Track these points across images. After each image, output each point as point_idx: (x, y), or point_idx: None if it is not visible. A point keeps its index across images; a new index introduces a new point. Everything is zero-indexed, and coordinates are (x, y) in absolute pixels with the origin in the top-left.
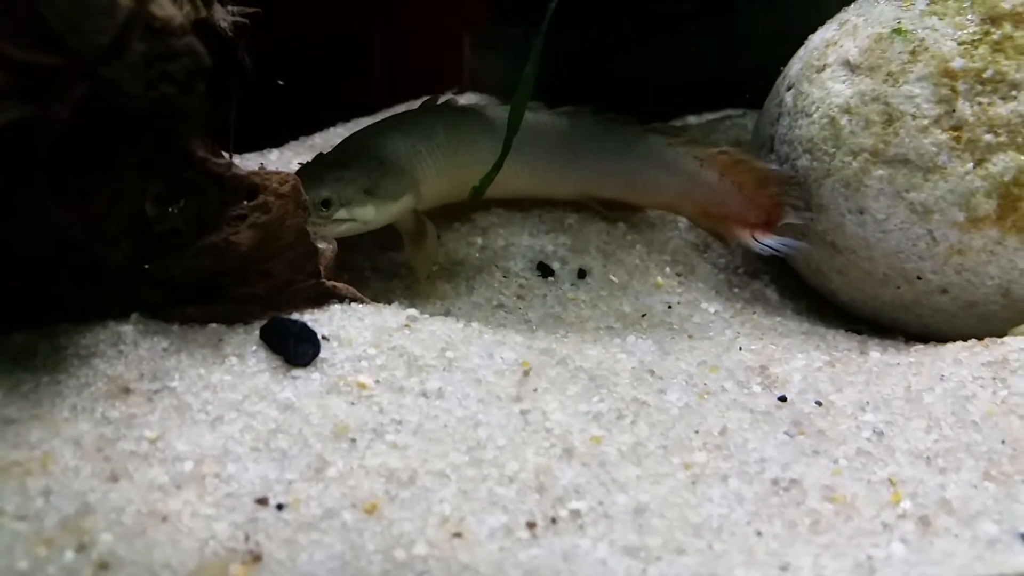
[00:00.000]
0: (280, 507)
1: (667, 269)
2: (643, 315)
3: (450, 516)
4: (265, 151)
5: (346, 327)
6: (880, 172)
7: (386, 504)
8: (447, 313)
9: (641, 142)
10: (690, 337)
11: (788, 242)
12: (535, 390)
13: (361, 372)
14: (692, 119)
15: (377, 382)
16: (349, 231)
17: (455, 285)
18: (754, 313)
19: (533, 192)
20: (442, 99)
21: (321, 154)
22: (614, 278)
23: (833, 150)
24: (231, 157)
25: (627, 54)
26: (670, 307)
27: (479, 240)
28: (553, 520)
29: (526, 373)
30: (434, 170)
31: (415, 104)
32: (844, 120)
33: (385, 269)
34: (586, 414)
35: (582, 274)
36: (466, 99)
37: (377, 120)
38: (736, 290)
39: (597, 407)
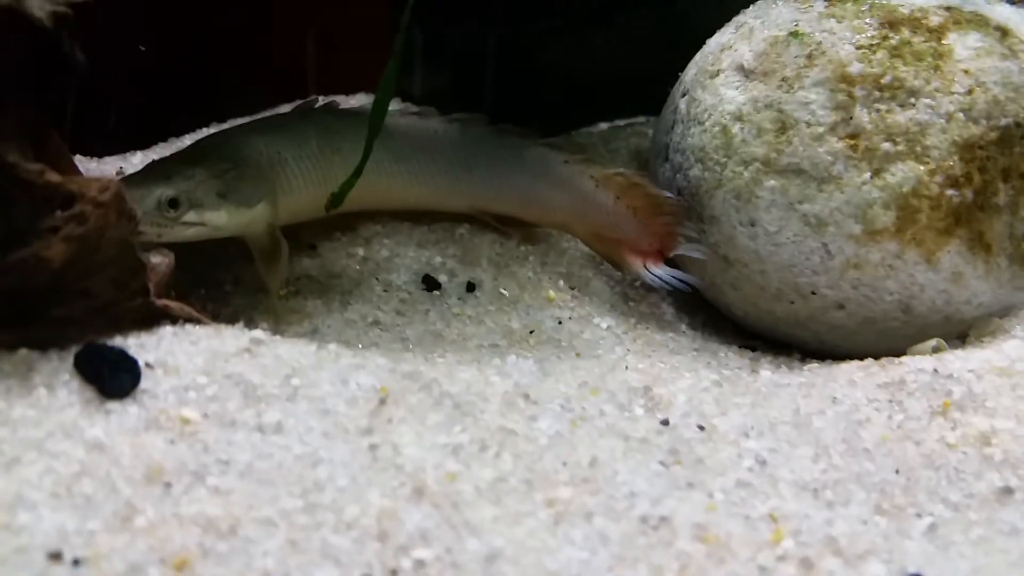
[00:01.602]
0: (76, 562)
1: (561, 283)
2: (531, 331)
3: (273, 572)
4: (129, 154)
5: (175, 352)
6: (772, 183)
7: (199, 559)
8: (314, 332)
9: (537, 157)
10: (577, 355)
11: (678, 275)
12: (390, 420)
13: (186, 404)
14: (604, 125)
15: (205, 416)
16: (196, 236)
17: (327, 300)
18: (647, 328)
19: (422, 204)
20: (323, 101)
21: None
22: (504, 292)
23: (725, 159)
24: (54, 160)
25: (537, 54)
26: (560, 323)
27: (360, 251)
28: (393, 572)
29: (382, 401)
30: (301, 180)
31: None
32: (736, 128)
33: (249, 283)
34: (444, 447)
35: (471, 288)
36: (359, 100)
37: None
38: (631, 304)
39: (458, 438)
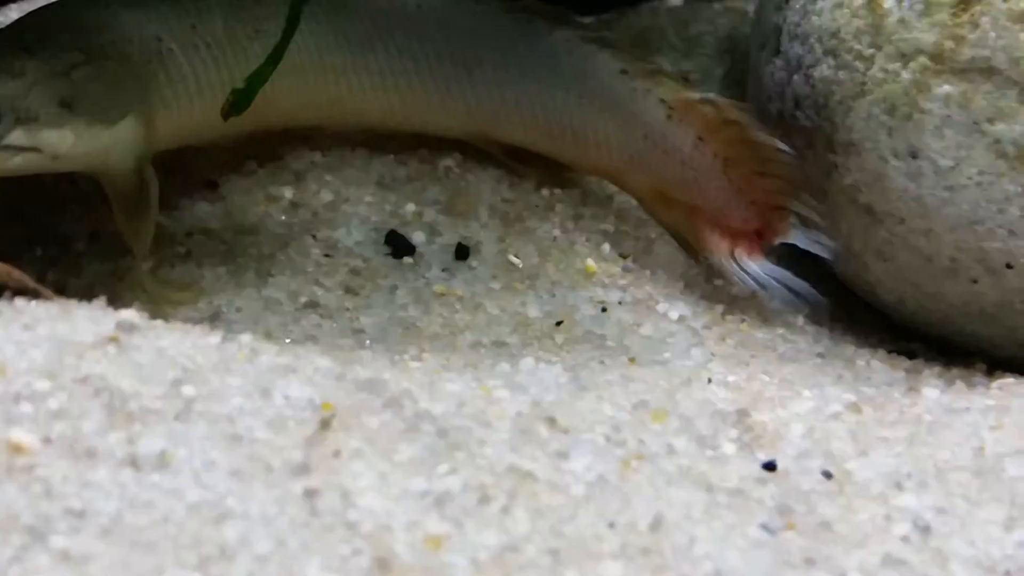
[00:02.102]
0: None
1: (605, 247)
2: (559, 323)
3: None
4: None
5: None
6: (947, 89)
7: None
8: (216, 316)
9: (576, 59)
10: (631, 360)
11: (787, 278)
12: (336, 454)
13: (17, 423)
14: (677, 0)
15: (46, 441)
16: (25, 168)
17: (235, 269)
18: (743, 321)
19: (393, 122)
20: None
21: None
22: (516, 260)
23: (871, 52)
24: None
25: None
26: (605, 310)
27: (287, 192)
28: None
29: (325, 424)
30: (194, 82)
31: None
32: (890, 2)
33: (114, 238)
34: (422, 497)
35: (462, 253)
36: None
37: None
38: (718, 282)
39: (444, 483)
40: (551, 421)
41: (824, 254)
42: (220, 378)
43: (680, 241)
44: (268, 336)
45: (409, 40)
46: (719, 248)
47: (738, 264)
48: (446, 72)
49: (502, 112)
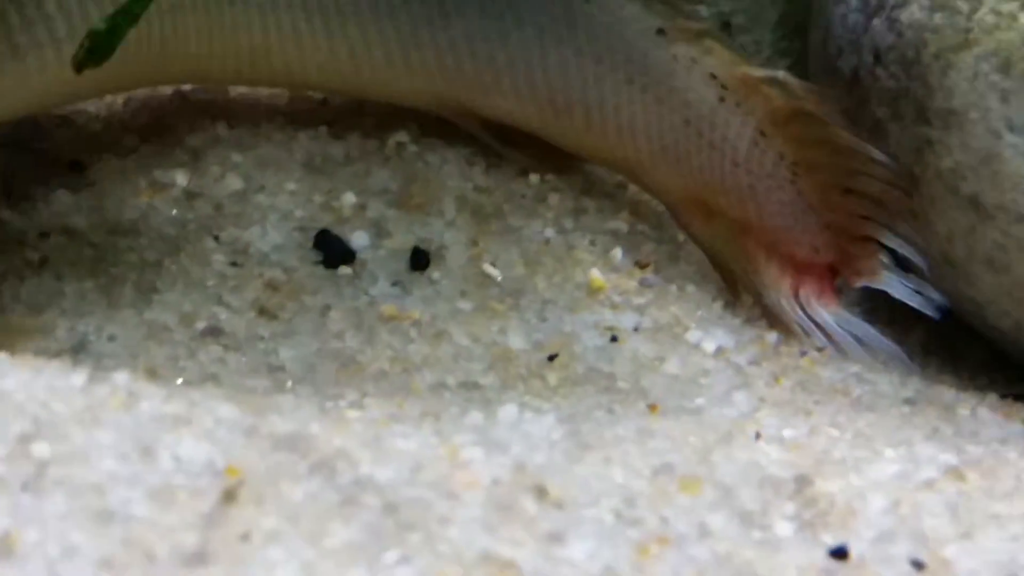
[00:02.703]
0: None
1: (616, 253)
2: (552, 357)
3: None
4: None
5: None
6: None
7: None
8: (80, 346)
9: (600, 9)
10: (652, 407)
11: (867, 333)
12: (245, 538)
13: None
14: None
15: None
16: None
17: (107, 283)
18: (803, 355)
19: (336, 82)
20: None
21: None
22: (493, 270)
23: None
24: None
25: None
26: (615, 339)
27: (179, 178)
28: None
29: (230, 496)
30: (45, 27)
31: None
32: None
33: None
34: None
35: (420, 260)
36: None
37: None
38: None
39: None
40: (541, 492)
41: (926, 311)
42: (86, 432)
43: (720, 268)
44: (152, 375)
45: None
46: (778, 284)
47: (802, 309)
48: (411, 15)
49: (487, 74)
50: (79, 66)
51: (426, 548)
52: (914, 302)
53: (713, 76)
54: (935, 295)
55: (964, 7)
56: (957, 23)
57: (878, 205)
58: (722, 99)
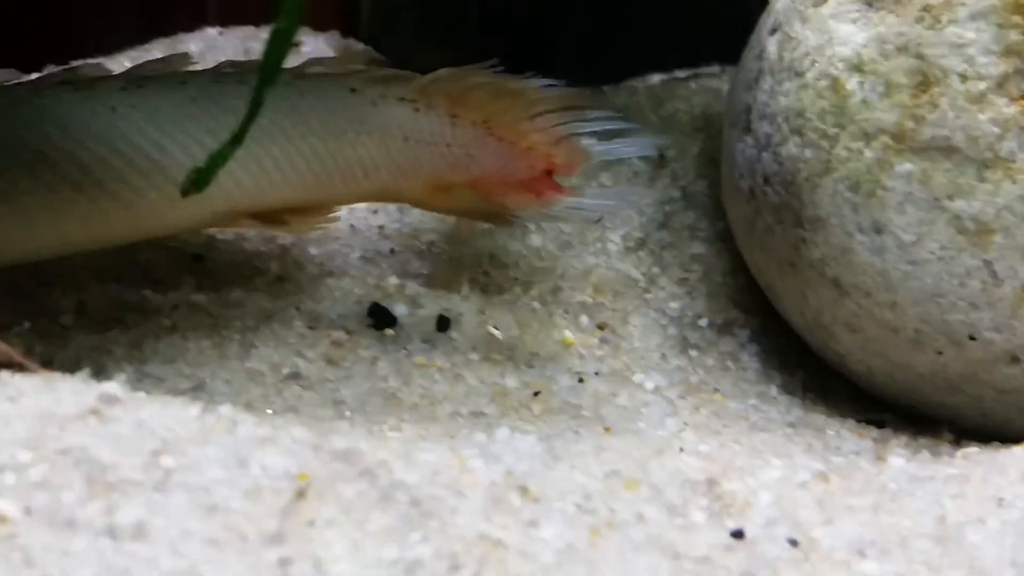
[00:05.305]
0: None
1: (583, 318)
2: (536, 393)
3: None
4: None
5: None
6: (908, 167)
7: None
8: (198, 388)
9: (312, 99)
10: (606, 430)
11: (608, 193)
12: (311, 523)
13: (1, 494)
14: (657, 78)
15: (27, 512)
16: None
17: (220, 341)
18: (716, 391)
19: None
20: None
21: None
22: (496, 331)
23: (836, 131)
24: None
25: None
26: (582, 380)
27: (273, 266)
28: None
29: (301, 494)
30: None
31: None
32: (853, 83)
33: (100, 312)
34: (394, 565)
35: (443, 325)
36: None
37: None
38: (694, 352)
39: (416, 552)
40: (523, 490)
41: (648, 152)
42: (199, 449)
43: (482, 218)
44: (249, 407)
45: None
46: (524, 204)
47: (557, 208)
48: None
49: (259, 177)
50: (185, 192)
51: (440, 531)
52: (632, 152)
53: (402, 99)
54: (647, 140)
55: (825, 144)
56: (820, 156)
57: (555, 113)
58: (416, 110)
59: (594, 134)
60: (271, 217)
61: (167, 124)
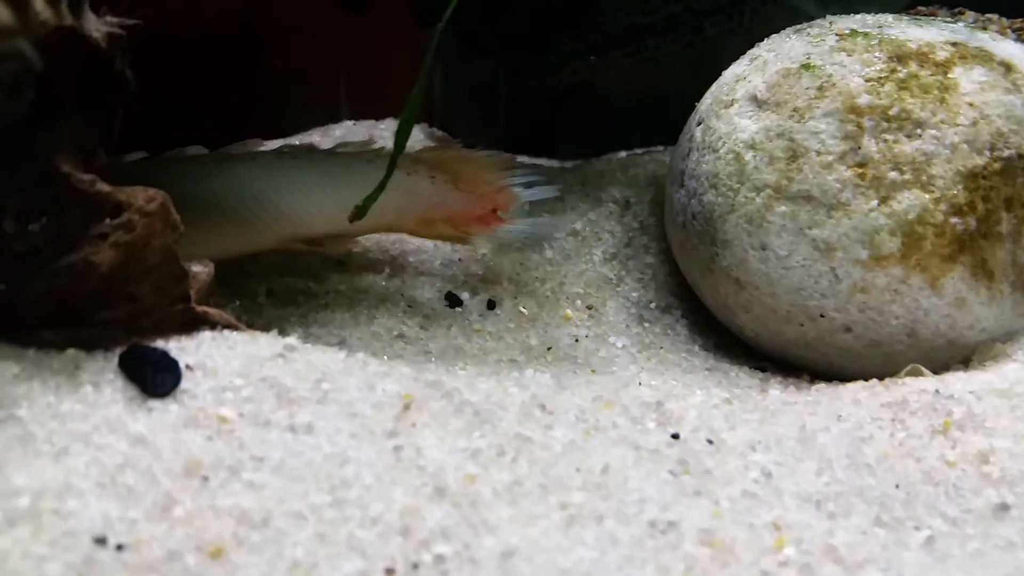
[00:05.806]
0: (120, 547)
1: (578, 303)
2: (549, 348)
3: (302, 562)
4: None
5: (213, 356)
6: (783, 208)
7: (233, 548)
8: (342, 343)
9: (373, 169)
10: (592, 371)
11: (530, 222)
12: (414, 425)
13: (224, 404)
14: (623, 154)
15: (241, 415)
16: None
17: (355, 314)
18: (661, 348)
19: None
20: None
21: None
22: (524, 310)
23: (737, 185)
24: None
25: (558, 81)
26: (577, 341)
27: (387, 268)
28: (415, 566)
29: (407, 407)
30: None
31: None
32: (749, 156)
33: (281, 295)
34: (464, 450)
35: (491, 305)
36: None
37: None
38: (646, 325)
39: (477, 443)
40: (542, 407)
41: (549, 194)
42: (345, 379)
43: (452, 241)
44: (373, 354)
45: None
46: (481, 231)
47: (500, 233)
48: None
49: (323, 215)
50: (351, 220)
51: (492, 431)
52: (541, 195)
53: (408, 173)
54: (551, 187)
55: (731, 195)
56: (728, 202)
57: (495, 171)
58: (409, 173)
59: (522, 184)
60: (314, 241)
61: (299, 184)
